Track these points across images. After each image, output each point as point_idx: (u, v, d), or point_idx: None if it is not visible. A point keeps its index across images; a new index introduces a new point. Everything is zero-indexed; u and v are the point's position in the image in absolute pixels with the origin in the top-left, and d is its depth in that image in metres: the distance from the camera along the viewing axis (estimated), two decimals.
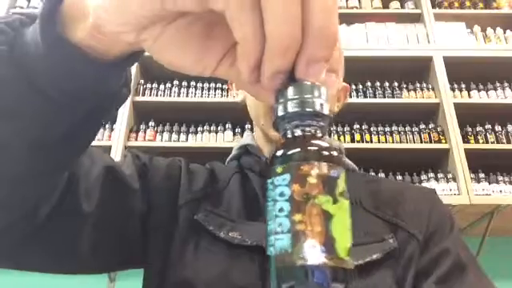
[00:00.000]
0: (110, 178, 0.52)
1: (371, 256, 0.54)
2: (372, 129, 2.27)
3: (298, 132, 0.26)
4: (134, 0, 0.24)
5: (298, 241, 0.23)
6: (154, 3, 0.24)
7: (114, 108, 0.37)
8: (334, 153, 0.25)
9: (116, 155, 2.07)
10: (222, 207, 0.60)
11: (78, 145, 0.39)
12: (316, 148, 0.25)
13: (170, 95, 2.31)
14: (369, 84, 2.37)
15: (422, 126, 2.26)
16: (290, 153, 0.25)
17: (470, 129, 2.27)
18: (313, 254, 0.23)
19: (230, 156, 0.74)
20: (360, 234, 0.57)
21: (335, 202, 0.24)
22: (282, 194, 0.24)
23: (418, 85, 2.36)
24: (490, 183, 2.13)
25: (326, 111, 0.26)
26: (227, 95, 2.30)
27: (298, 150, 0.25)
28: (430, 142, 2.20)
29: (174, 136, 2.26)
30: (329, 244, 0.23)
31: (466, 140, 2.19)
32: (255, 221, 0.57)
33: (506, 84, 2.39)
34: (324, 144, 0.26)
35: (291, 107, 0.26)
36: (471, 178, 2.05)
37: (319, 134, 0.27)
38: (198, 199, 0.61)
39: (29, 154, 0.35)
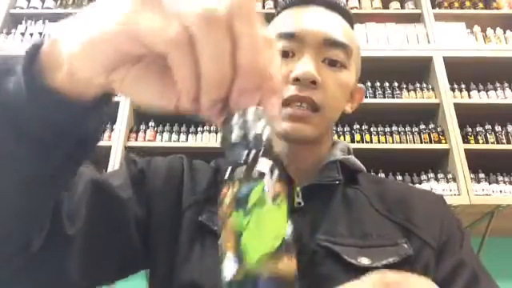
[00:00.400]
0: (95, 192, 0.51)
1: (387, 259, 0.53)
2: (372, 129, 2.27)
3: (237, 157, 0.28)
4: (97, 49, 0.28)
5: (222, 257, 0.26)
6: (114, 51, 0.28)
7: (95, 141, 0.39)
8: (256, 170, 0.26)
9: (116, 155, 2.07)
10: None
11: (68, 176, 0.40)
12: (238, 171, 0.27)
13: None
14: (369, 84, 2.37)
15: (422, 127, 2.26)
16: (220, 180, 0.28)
17: (470, 129, 2.27)
18: (228, 266, 0.25)
19: None
20: (373, 236, 0.56)
21: (246, 215, 0.26)
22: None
23: (418, 85, 2.36)
24: (489, 183, 2.13)
25: (264, 133, 0.28)
26: None
27: (226, 177, 0.27)
28: (430, 142, 2.20)
29: (174, 136, 2.26)
30: (239, 255, 0.25)
31: (466, 140, 2.19)
32: None
33: (506, 84, 2.38)
34: (259, 164, 0.27)
35: (231, 133, 0.28)
36: (471, 178, 2.05)
37: (256, 156, 0.28)
38: (201, 201, 0.60)
39: (20, 193, 0.36)
